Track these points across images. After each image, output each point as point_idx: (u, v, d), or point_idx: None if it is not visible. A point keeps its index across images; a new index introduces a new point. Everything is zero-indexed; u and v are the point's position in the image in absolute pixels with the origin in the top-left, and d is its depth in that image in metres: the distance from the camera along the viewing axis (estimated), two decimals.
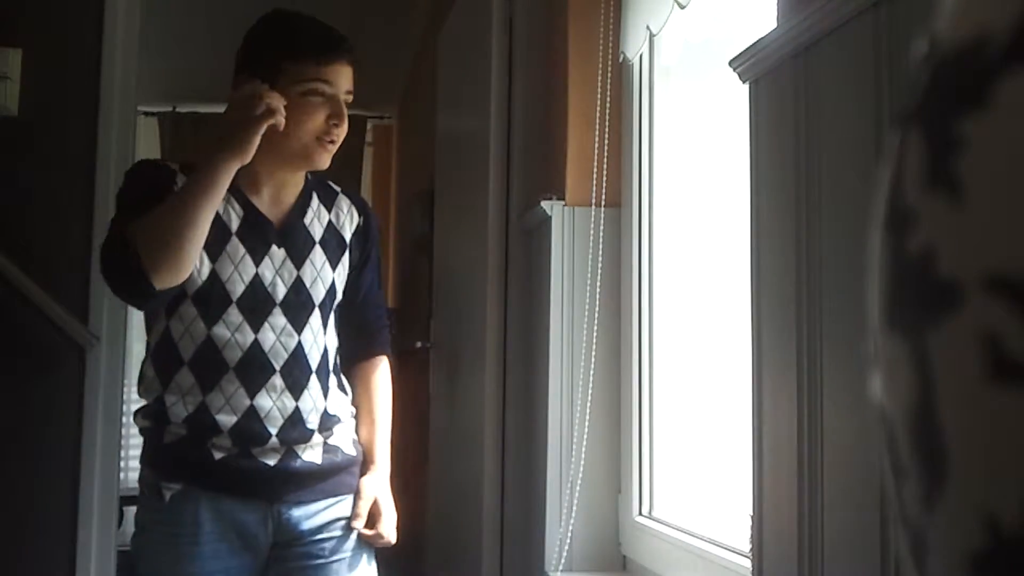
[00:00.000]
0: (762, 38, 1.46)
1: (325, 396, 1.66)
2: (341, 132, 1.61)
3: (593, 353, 2.28)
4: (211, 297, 1.56)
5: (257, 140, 1.49)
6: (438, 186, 3.56)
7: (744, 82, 1.54)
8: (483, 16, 2.78)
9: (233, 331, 1.57)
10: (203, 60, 5.07)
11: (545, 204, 2.35)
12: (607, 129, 2.33)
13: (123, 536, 4.08)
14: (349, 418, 1.73)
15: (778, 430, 1.40)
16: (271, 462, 1.59)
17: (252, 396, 1.57)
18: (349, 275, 1.73)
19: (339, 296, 1.70)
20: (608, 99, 2.31)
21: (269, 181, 1.64)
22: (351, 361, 1.78)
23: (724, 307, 1.96)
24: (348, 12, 4.42)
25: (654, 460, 2.23)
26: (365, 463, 1.74)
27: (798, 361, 1.34)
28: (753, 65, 1.50)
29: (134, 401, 6.02)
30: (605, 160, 2.33)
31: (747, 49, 1.51)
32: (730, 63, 1.57)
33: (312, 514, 1.62)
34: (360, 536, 1.68)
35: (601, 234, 2.31)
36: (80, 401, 2.51)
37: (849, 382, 1.23)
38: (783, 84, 1.42)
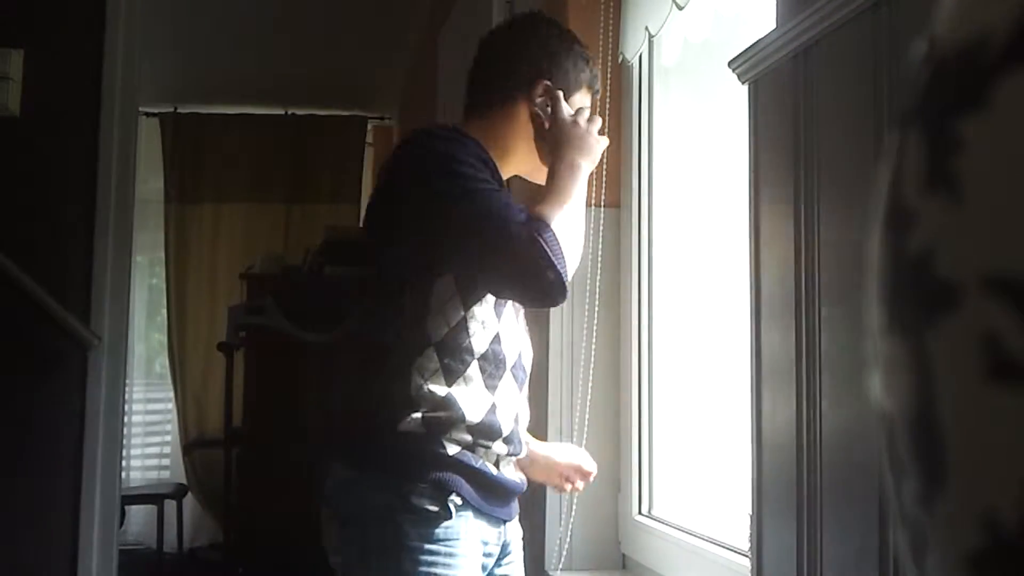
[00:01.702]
0: (761, 39, 1.47)
1: None
2: None
3: (593, 353, 2.28)
4: None
5: None
6: None
7: (744, 83, 1.54)
8: (483, 16, 2.79)
9: (510, 326, 1.49)
10: (204, 61, 5.07)
11: None
12: (607, 129, 2.33)
13: (124, 536, 4.10)
14: None
15: (777, 429, 1.40)
16: (516, 478, 1.51)
17: (519, 399, 1.50)
18: None
19: None
20: (608, 100, 2.31)
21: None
22: None
23: (724, 307, 1.96)
24: (349, 12, 4.43)
25: (653, 459, 2.23)
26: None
27: (797, 360, 1.34)
28: (753, 66, 1.50)
29: (135, 400, 5.97)
30: (605, 160, 2.33)
31: (746, 50, 1.51)
32: (730, 64, 1.57)
33: (511, 529, 1.54)
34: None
35: (601, 234, 2.31)
36: (82, 401, 2.51)
37: (848, 382, 1.23)
38: (782, 85, 1.42)
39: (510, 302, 1.47)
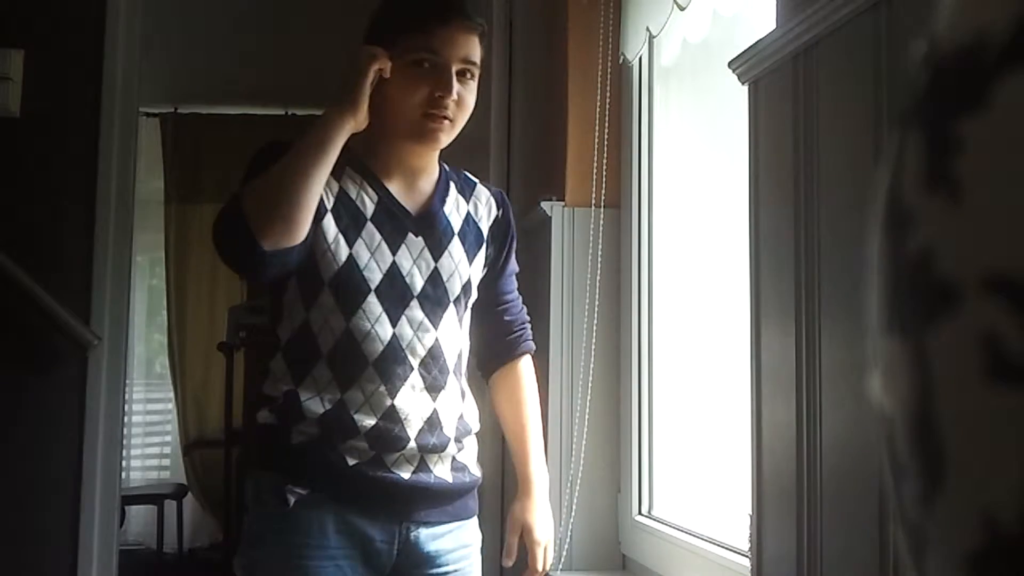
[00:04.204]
0: (761, 39, 1.47)
1: (462, 399, 1.55)
2: (454, 106, 1.49)
3: (593, 353, 2.28)
4: (349, 285, 1.45)
5: (367, 91, 1.43)
6: None
7: (744, 83, 1.54)
8: (482, 16, 2.78)
9: (373, 323, 1.45)
10: (205, 61, 5.07)
11: (545, 205, 2.35)
12: (607, 130, 2.33)
13: (124, 536, 4.10)
14: (476, 433, 1.60)
15: (777, 429, 1.40)
16: (405, 475, 1.46)
17: (392, 395, 1.45)
18: (487, 272, 1.61)
19: (474, 294, 1.58)
20: (608, 100, 2.31)
21: (400, 167, 1.54)
22: (494, 365, 1.66)
23: (723, 307, 1.96)
24: (349, 12, 4.43)
25: (653, 459, 2.23)
26: (520, 482, 1.61)
27: (797, 360, 1.34)
28: (753, 66, 1.50)
29: (135, 401, 5.96)
30: (605, 161, 2.33)
31: (747, 50, 1.51)
32: (730, 64, 1.57)
33: (438, 536, 1.50)
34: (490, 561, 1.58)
35: (601, 234, 2.31)
36: (82, 401, 2.51)
37: (848, 382, 1.23)
38: (783, 85, 1.42)
39: (373, 293, 1.46)
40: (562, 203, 2.35)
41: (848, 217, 1.25)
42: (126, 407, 3.48)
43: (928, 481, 0.29)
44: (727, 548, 1.78)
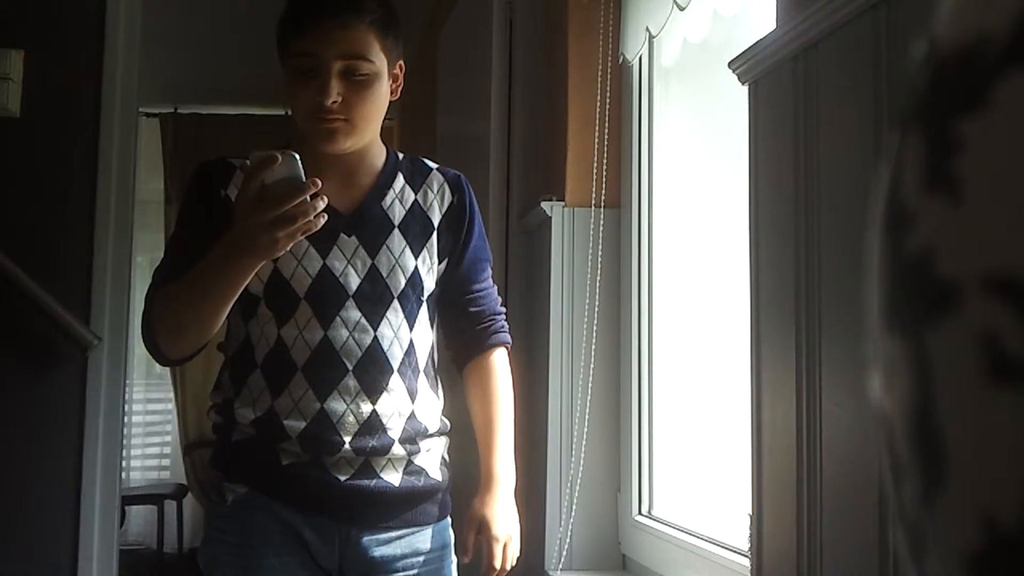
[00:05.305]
0: (761, 39, 1.47)
1: (412, 399, 1.49)
2: (344, 107, 1.41)
3: (593, 353, 2.28)
4: (280, 296, 1.44)
5: (290, 245, 1.31)
6: None
7: (744, 83, 1.54)
8: (483, 17, 2.79)
9: (301, 329, 1.43)
10: (205, 61, 5.07)
11: (545, 205, 2.35)
12: (607, 130, 2.33)
13: (124, 536, 4.10)
14: (440, 433, 1.55)
15: (777, 429, 1.40)
16: (343, 477, 1.43)
17: (323, 399, 1.43)
18: (447, 262, 1.55)
19: (428, 285, 1.52)
20: (608, 100, 2.31)
21: (331, 166, 1.47)
22: (464, 359, 1.60)
23: (724, 307, 1.96)
24: None
25: (653, 459, 2.23)
26: (483, 477, 1.53)
27: (797, 360, 1.34)
28: (753, 66, 1.50)
29: (135, 401, 5.98)
30: (605, 161, 2.33)
31: (747, 51, 1.51)
32: (730, 65, 1.57)
33: (384, 543, 1.46)
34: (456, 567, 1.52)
35: (601, 234, 2.31)
36: (82, 401, 2.51)
37: (848, 382, 1.23)
38: (783, 85, 1.42)
39: (303, 299, 1.45)
40: (562, 203, 2.35)
41: (848, 217, 1.25)
42: (126, 407, 3.48)
43: (928, 481, 0.29)
44: (727, 548, 1.78)
